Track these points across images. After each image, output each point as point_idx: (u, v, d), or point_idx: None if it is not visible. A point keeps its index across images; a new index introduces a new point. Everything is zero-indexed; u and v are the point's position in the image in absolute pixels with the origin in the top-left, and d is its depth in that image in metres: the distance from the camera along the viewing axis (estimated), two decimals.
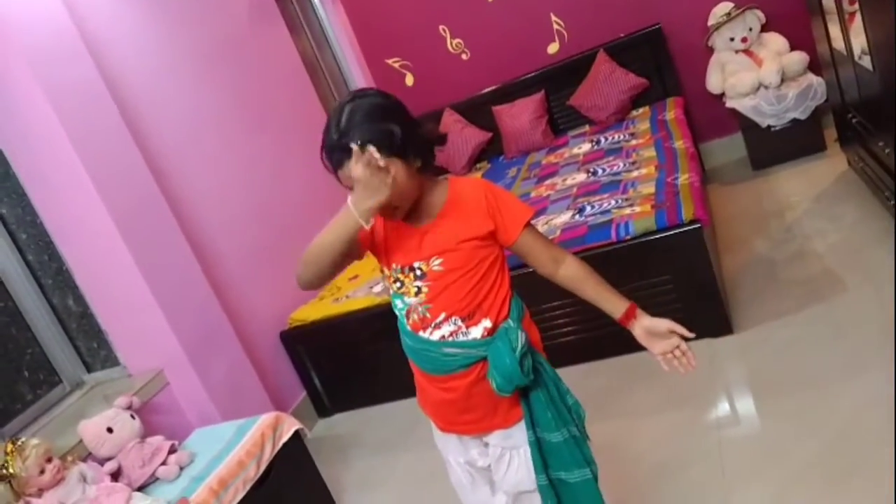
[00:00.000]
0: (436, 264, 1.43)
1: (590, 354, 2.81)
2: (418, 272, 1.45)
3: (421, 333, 1.48)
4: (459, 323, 1.45)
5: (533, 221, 1.51)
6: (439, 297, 1.44)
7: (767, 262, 3.26)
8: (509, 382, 1.41)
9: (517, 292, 1.53)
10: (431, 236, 1.44)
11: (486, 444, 1.59)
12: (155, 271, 2.76)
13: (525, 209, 1.49)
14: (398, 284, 1.49)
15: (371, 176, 1.31)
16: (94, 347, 3.00)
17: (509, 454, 1.55)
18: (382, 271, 1.54)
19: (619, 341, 2.88)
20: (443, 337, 1.46)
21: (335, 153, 1.36)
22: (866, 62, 2.75)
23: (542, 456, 1.50)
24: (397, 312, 1.53)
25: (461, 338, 1.46)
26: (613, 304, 1.49)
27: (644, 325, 1.46)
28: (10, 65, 2.54)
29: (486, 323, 1.45)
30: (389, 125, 1.34)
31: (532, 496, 1.57)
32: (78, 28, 2.76)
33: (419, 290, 1.45)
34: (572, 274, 1.51)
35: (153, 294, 2.73)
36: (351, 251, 1.51)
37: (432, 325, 1.46)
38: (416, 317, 1.48)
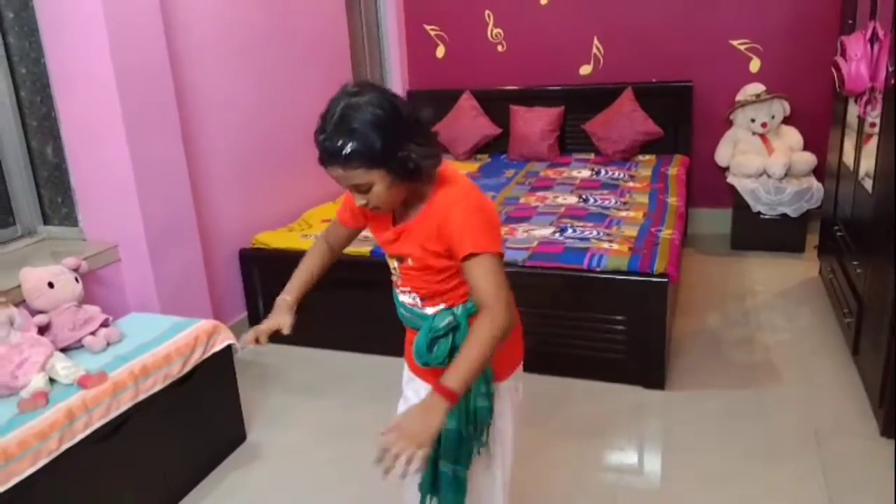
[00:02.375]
0: (408, 260, 1.54)
1: (532, 367, 2.86)
2: (396, 258, 1.60)
3: (395, 289, 1.66)
4: (418, 300, 1.59)
5: (507, 243, 1.54)
6: (408, 277, 1.57)
7: (716, 337, 3.37)
8: (419, 356, 1.55)
9: None
10: (405, 237, 1.52)
11: None
12: (142, 148, 2.74)
13: (472, 242, 1.40)
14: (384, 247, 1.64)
15: None
16: (57, 202, 2.96)
17: None
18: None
19: (558, 362, 3.03)
20: (404, 302, 1.63)
21: (321, 152, 1.37)
22: (867, 184, 2.85)
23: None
24: None
25: (416, 308, 1.60)
26: (447, 372, 1.37)
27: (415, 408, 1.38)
28: None
29: (441, 307, 1.57)
30: (375, 139, 1.32)
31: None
32: None
33: (395, 263, 1.60)
34: (474, 325, 1.43)
35: (133, 169, 2.71)
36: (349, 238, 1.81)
37: (400, 289, 1.63)
38: (394, 275, 1.63)
